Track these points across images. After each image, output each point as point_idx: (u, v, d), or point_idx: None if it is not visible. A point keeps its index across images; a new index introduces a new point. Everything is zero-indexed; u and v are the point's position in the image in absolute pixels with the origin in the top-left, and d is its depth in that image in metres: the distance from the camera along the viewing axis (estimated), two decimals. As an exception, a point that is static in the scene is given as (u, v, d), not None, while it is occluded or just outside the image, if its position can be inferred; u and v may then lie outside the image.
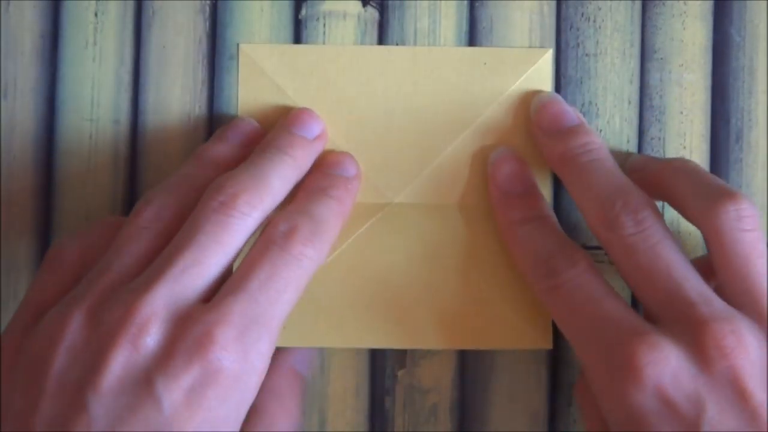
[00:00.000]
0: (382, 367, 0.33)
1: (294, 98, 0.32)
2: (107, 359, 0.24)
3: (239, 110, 0.33)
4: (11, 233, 0.33)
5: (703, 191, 0.28)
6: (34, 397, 0.25)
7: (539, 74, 0.33)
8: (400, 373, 0.33)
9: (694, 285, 0.27)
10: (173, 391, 0.24)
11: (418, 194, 0.32)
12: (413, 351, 0.33)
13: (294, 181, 0.30)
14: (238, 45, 0.33)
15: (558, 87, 0.33)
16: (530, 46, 0.33)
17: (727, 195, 0.27)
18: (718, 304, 0.26)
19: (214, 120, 0.33)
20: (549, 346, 0.32)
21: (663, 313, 0.27)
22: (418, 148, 0.32)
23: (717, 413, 0.25)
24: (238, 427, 0.26)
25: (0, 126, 0.33)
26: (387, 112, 0.32)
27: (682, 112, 0.34)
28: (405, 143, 0.32)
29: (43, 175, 0.33)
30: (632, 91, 0.33)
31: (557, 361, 0.33)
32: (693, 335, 0.25)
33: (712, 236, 0.27)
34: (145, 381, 0.24)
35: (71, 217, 0.33)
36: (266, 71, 0.32)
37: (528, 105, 0.32)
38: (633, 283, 0.28)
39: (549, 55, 0.33)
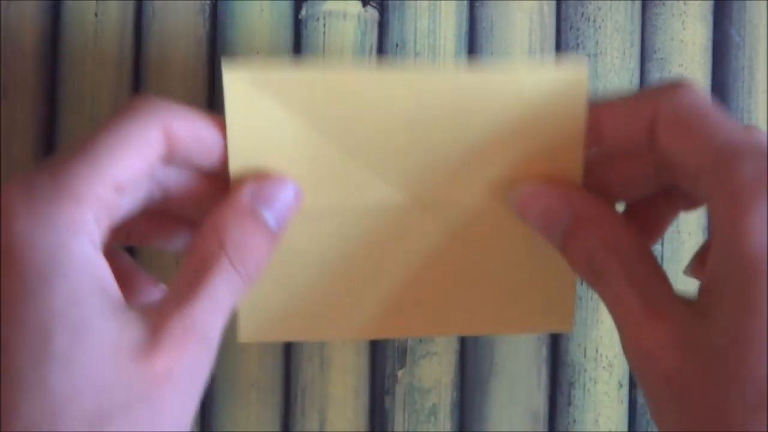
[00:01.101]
0: (382, 367, 0.33)
1: (288, 127, 0.27)
2: None
3: (229, 137, 0.26)
4: (11, 233, 0.33)
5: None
6: None
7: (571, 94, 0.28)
8: (400, 373, 0.33)
9: None
10: None
11: (427, 197, 0.29)
12: (413, 351, 0.33)
13: None
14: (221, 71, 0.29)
15: (558, 87, 0.33)
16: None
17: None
18: None
19: (214, 120, 0.33)
20: (570, 329, 0.30)
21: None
22: (429, 149, 0.28)
23: None
24: (94, 315, 0.22)
25: (0, 126, 0.33)
26: (388, 130, 0.28)
27: (682, 112, 0.34)
28: (414, 148, 0.28)
29: (43, 175, 0.33)
30: (632, 91, 0.33)
31: (557, 361, 0.33)
32: None
33: None
34: None
35: (71, 217, 0.33)
36: (257, 100, 0.27)
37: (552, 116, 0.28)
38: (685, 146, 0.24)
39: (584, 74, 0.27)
